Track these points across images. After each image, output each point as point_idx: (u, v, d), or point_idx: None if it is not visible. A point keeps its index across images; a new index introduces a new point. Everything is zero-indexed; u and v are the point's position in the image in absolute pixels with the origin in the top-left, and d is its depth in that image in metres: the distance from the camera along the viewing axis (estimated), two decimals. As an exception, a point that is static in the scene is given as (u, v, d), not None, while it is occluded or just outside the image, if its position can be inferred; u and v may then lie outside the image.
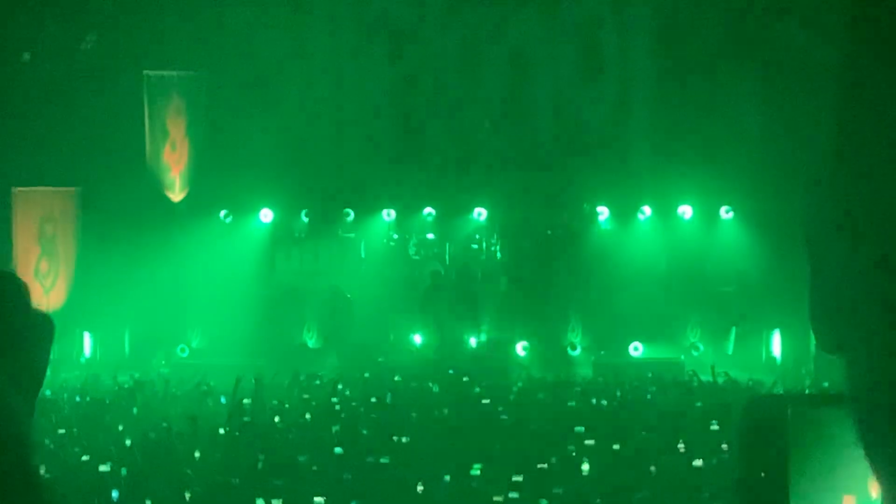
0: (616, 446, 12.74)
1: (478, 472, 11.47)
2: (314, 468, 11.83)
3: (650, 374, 19.89)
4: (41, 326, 1.66)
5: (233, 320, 24.76)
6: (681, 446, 12.63)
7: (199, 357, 24.01)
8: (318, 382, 18.86)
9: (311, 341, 25.32)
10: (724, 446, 12.19)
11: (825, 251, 1.26)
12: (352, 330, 24.65)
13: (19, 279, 1.65)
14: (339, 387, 18.60)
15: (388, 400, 16.73)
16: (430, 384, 18.61)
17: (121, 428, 14.42)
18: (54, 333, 1.72)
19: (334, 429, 14.21)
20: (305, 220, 26.79)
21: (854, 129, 1.24)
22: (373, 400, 16.62)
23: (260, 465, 11.91)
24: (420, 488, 11.09)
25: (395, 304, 25.20)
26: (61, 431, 13.95)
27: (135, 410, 15.90)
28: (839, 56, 1.28)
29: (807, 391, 17.66)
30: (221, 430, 13.99)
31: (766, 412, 2.15)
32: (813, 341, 17.43)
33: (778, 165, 24.25)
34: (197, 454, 12.48)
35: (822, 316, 1.28)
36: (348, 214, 26.78)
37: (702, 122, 25.53)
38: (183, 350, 24.57)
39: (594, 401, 16.38)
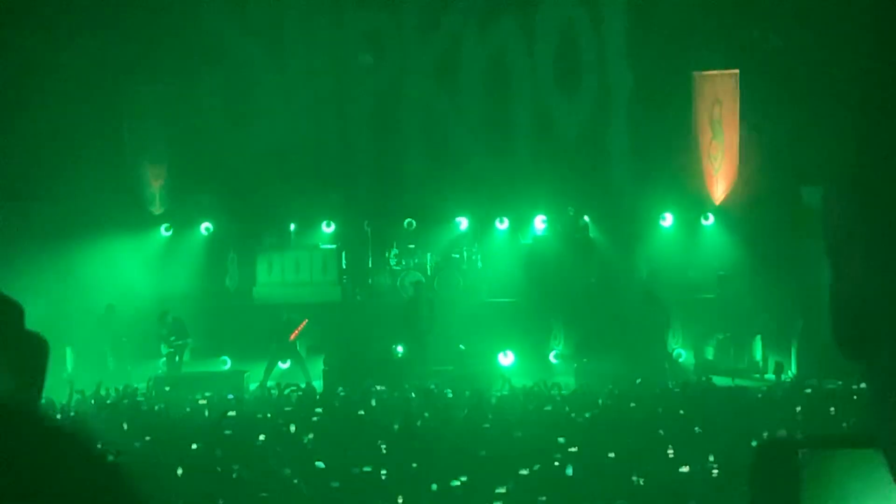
0: (598, 454, 12.74)
1: (461, 482, 11.48)
2: (295, 481, 11.81)
3: (638, 381, 19.88)
4: (36, 347, 1.66)
5: (215, 332, 24.77)
6: (670, 452, 12.65)
7: (184, 369, 23.96)
8: (299, 394, 18.81)
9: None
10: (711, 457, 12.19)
11: (848, 257, 1.26)
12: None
13: (13, 300, 1.65)
14: (320, 398, 18.60)
15: (369, 411, 16.72)
16: (412, 394, 18.60)
17: (99, 445, 14.31)
18: (48, 354, 1.72)
19: (317, 441, 14.20)
20: (287, 231, 26.79)
21: (876, 135, 1.25)
22: (360, 413, 16.61)
23: (244, 479, 11.88)
24: (400, 501, 11.09)
25: (377, 314, 25.16)
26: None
27: (125, 426, 15.80)
28: (860, 61, 1.29)
29: (790, 397, 17.71)
30: (203, 445, 13.94)
31: (775, 457, 2.12)
32: (794, 346, 17.47)
33: (761, 170, 24.39)
34: (180, 470, 12.44)
35: (845, 323, 1.28)
36: (329, 225, 26.78)
37: (674, 129, 25.71)
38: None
39: (576, 410, 16.38)
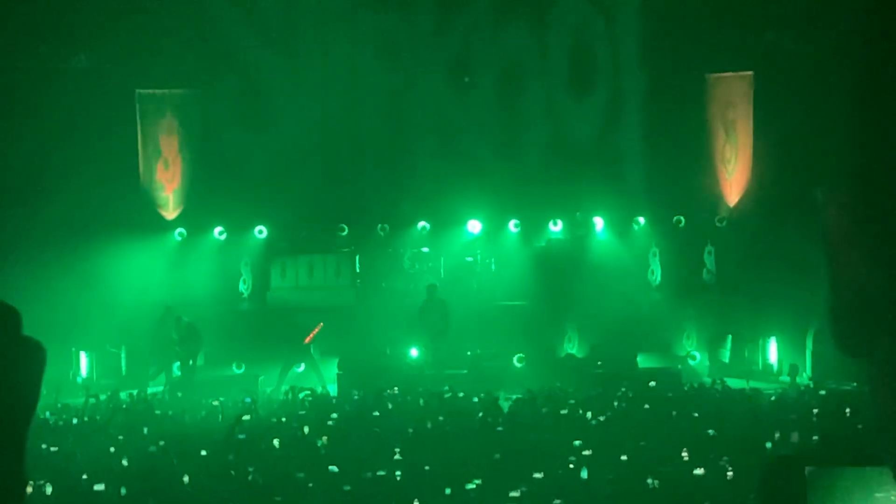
0: (613, 457, 12.71)
1: (475, 485, 11.45)
2: (310, 485, 11.81)
3: (653, 383, 19.83)
4: (33, 353, 1.65)
5: (229, 336, 24.79)
6: (685, 455, 12.61)
7: (198, 373, 23.97)
8: (311, 398, 18.80)
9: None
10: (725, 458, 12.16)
11: (845, 255, 1.25)
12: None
13: (10, 306, 1.64)
14: (335, 402, 18.59)
15: (383, 414, 16.71)
16: (426, 398, 18.57)
17: (113, 449, 14.30)
18: (46, 360, 1.71)
19: (331, 445, 14.18)
20: (300, 235, 26.79)
21: (873, 134, 1.24)
22: (376, 413, 16.60)
23: (258, 483, 11.88)
24: None
25: (391, 318, 25.13)
26: (54, 449, 13.93)
27: (145, 430, 15.80)
28: (859, 64, 1.28)
29: (805, 398, 17.65)
30: (217, 449, 13.94)
31: (782, 473, 2.11)
32: (809, 348, 17.34)
33: (775, 172, 24.32)
34: (193, 475, 12.43)
35: (844, 320, 1.26)
36: (343, 229, 26.77)
37: (687, 132, 25.67)
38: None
39: (591, 412, 16.33)
